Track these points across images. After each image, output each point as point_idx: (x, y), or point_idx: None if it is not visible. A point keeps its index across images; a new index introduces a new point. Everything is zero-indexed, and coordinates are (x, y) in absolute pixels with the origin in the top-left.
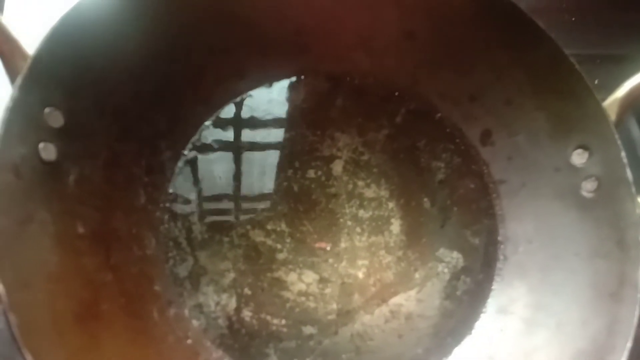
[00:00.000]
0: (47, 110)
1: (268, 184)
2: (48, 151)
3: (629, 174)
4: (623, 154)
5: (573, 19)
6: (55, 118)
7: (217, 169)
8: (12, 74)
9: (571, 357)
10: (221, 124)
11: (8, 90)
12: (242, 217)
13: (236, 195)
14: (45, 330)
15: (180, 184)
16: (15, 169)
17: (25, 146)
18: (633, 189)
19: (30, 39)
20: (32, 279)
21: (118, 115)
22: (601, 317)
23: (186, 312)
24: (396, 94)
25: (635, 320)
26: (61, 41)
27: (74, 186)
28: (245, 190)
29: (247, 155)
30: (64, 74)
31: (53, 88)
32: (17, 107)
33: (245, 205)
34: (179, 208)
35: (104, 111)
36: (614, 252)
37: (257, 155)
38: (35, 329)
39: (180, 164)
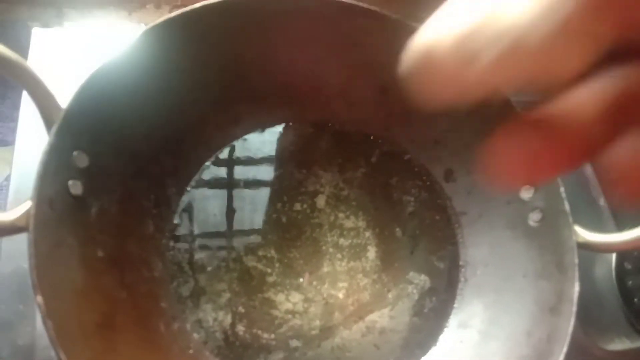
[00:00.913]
0: (75, 153)
1: (260, 216)
2: (76, 187)
3: (567, 206)
4: (562, 189)
5: None
6: (82, 160)
7: (215, 202)
8: (48, 123)
9: None
10: (220, 164)
11: (44, 136)
12: (237, 245)
13: (232, 226)
14: (74, 335)
15: (184, 215)
16: (50, 202)
17: (58, 183)
18: (570, 219)
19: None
20: (63, 293)
21: (132, 157)
22: (543, 327)
23: (188, 326)
24: (371, 137)
25: (570, 330)
26: (88, 96)
27: (95, 217)
28: (239, 221)
29: (241, 191)
30: (90, 123)
31: (81, 135)
32: (52, 151)
33: (239, 234)
34: (183, 236)
35: (121, 154)
36: (555, 273)
37: (250, 191)
38: (66, 333)
39: (184, 198)
